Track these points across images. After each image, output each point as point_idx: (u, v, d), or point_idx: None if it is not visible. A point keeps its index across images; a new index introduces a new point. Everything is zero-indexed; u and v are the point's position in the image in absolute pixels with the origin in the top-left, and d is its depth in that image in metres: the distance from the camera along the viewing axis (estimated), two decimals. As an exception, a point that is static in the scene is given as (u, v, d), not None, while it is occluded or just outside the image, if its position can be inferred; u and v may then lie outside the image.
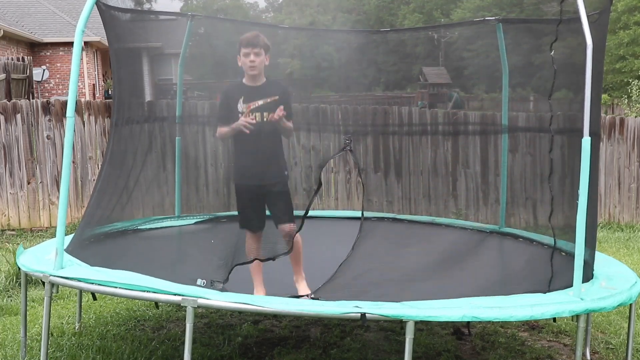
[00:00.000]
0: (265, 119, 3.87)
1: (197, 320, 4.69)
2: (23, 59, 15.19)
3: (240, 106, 3.88)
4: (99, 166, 7.78)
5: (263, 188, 3.93)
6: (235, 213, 4.16)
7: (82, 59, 19.84)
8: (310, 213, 4.41)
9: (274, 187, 3.97)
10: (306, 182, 8.23)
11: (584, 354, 4.07)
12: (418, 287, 3.81)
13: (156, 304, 4.79)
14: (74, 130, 4.03)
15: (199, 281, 3.45)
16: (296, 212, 4.22)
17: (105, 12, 4.22)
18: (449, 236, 5.40)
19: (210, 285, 3.58)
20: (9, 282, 5.54)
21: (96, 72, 23.28)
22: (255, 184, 3.93)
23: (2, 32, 18.16)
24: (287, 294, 3.61)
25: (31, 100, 8.69)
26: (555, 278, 3.46)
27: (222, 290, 3.49)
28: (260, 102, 3.88)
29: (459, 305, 3.15)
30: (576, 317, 3.22)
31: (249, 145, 3.88)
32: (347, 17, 48.52)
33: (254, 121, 3.83)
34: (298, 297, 3.77)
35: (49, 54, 21.69)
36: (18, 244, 6.67)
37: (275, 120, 3.85)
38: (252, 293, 3.83)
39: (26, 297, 4.03)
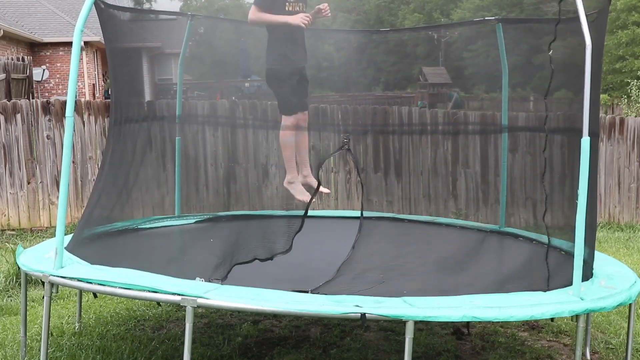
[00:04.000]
0: (303, 9, 4.39)
1: (197, 320, 4.69)
2: (23, 59, 15.18)
3: (287, 5, 4.34)
4: (99, 166, 7.79)
5: (300, 71, 4.37)
6: (235, 213, 4.21)
7: (81, 58, 19.82)
8: (310, 213, 4.41)
9: (304, 71, 4.46)
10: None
11: (584, 354, 4.07)
12: (418, 286, 3.80)
13: (158, 303, 4.78)
14: (74, 130, 4.04)
15: (197, 279, 3.45)
16: (296, 212, 4.23)
17: (103, 11, 4.22)
18: (449, 236, 5.40)
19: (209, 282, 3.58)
20: (9, 282, 5.54)
21: (96, 72, 23.28)
22: (295, 68, 4.35)
23: (2, 32, 18.15)
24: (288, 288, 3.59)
25: (31, 100, 8.69)
26: (555, 277, 3.46)
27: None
28: (300, 3, 4.38)
29: (459, 305, 3.15)
30: (576, 317, 3.22)
31: (294, 34, 4.32)
32: (347, 17, 48.51)
33: (312, 21, 4.29)
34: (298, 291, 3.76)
35: (49, 54, 21.68)
36: (18, 243, 6.67)
37: (327, 16, 4.38)
38: (250, 286, 3.80)
39: (26, 297, 4.03)
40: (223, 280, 3.48)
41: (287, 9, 4.39)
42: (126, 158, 4.83)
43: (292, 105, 4.38)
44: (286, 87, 4.38)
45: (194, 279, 3.45)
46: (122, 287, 3.32)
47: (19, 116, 8.03)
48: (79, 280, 3.44)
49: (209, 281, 3.43)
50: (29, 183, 8.12)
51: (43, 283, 3.55)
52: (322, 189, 4.40)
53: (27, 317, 4.08)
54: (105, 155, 4.66)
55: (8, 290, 5.46)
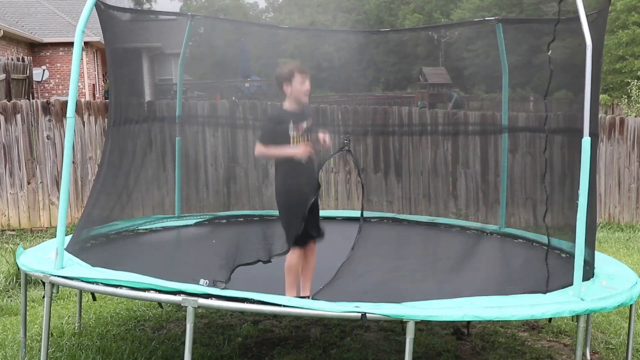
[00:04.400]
0: (309, 139, 4.12)
1: (197, 320, 4.69)
2: (23, 59, 15.17)
3: (292, 130, 4.06)
4: (98, 166, 7.79)
5: (311, 205, 4.07)
6: (235, 213, 4.20)
7: (82, 59, 19.87)
8: (310, 213, 4.41)
9: (316, 201, 4.16)
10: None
11: (584, 354, 4.07)
12: (418, 287, 3.81)
13: (159, 303, 4.79)
14: (74, 131, 4.03)
15: (201, 281, 3.45)
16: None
17: (103, 11, 4.22)
18: (449, 236, 5.40)
19: (213, 285, 3.58)
20: (9, 282, 5.54)
21: (96, 72, 23.28)
22: (307, 203, 4.04)
23: (2, 32, 18.15)
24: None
25: (31, 100, 8.69)
26: (555, 278, 3.46)
27: (224, 290, 3.49)
28: (304, 126, 4.10)
29: (459, 305, 3.15)
30: (576, 317, 3.22)
31: (303, 167, 4.05)
32: (347, 17, 48.55)
33: (312, 151, 4.06)
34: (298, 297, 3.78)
35: (49, 54, 21.68)
36: (18, 244, 6.67)
37: (327, 148, 4.13)
38: (251, 290, 3.82)
39: (26, 297, 4.03)
40: (227, 282, 3.48)
41: (292, 142, 4.13)
42: (126, 158, 4.83)
43: (301, 239, 4.07)
44: (294, 220, 4.05)
45: (198, 281, 3.45)
46: (122, 287, 3.32)
47: (19, 116, 8.03)
48: (79, 280, 3.44)
49: (213, 284, 3.43)
50: (29, 183, 8.12)
51: (43, 283, 3.55)
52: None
53: (27, 317, 4.09)
54: (104, 155, 4.65)
55: (8, 291, 5.46)
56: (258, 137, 4.24)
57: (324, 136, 4.09)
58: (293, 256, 4.05)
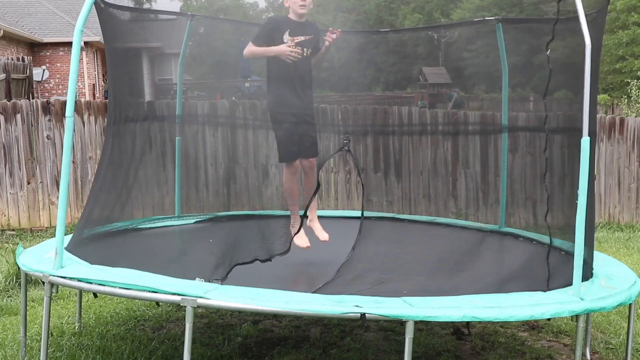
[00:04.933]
0: (305, 54, 4.26)
1: (197, 320, 4.69)
2: (23, 59, 15.18)
3: (286, 37, 4.24)
4: (97, 165, 7.79)
5: (300, 117, 4.24)
6: (235, 213, 4.21)
7: (81, 59, 19.80)
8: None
9: (308, 118, 4.31)
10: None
11: (584, 354, 4.07)
12: (418, 287, 3.80)
13: (157, 303, 4.79)
14: (74, 130, 4.03)
15: (197, 279, 3.45)
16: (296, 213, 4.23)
17: (103, 10, 4.22)
18: (449, 236, 5.40)
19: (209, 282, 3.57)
20: (9, 282, 5.55)
21: (96, 72, 23.28)
22: (294, 112, 4.22)
23: (2, 32, 18.15)
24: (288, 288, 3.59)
25: (31, 100, 8.69)
26: (554, 277, 3.46)
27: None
28: (302, 38, 4.26)
29: (459, 305, 3.15)
30: (576, 317, 3.22)
31: (290, 77, 4.23)
32: (347, 17, 48.54)
33: (300, 54, 4.19)
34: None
35: (49, 54, 21.69)
36: (18, 243, 6.67)
37: (332, 41, 4.27)
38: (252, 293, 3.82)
39: (26, 297, 4.03)
40: (223, 280, 3.48)
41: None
42: (125, 158, 4.83)
43: (290, 152, 4.22)
44: (282, 132, 4.22)
45: (194, 279, 3.45)
46: (122, 287, 3.32)
47: (19, 116, 8.03)
48: (79, 280, 3.44)
49: (209, 281, 3.43)
50: (29, 183, 8.12)
51: (43, 283, 3.55)
52: (320, 235, 4.42)
53: (27, 317, 4.08)
54: (104, 155, 4.64)
55: (8, 290, 5.46)
56: (252, 38, 4.40)
57: (331, 34, 4.23)
58: (284, 174, 4.28)
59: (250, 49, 4.32)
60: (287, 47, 4.19)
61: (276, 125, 4.33)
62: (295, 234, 4.06)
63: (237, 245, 4.20)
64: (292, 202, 4.35)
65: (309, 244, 4.35)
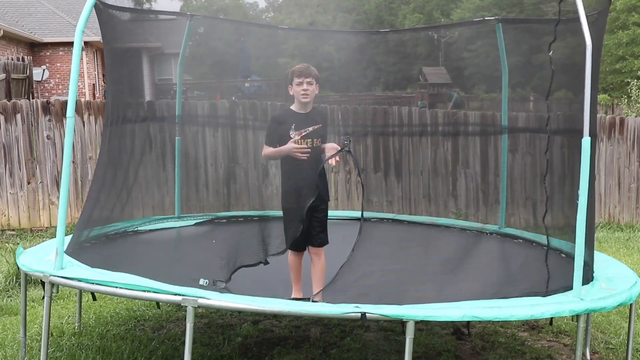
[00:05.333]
0: (315, 144, 4.12)
1: (197, 320, 4.69)
2: (23, 59, 15.17)
3: (292, 133, 4.10)
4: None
5: (312, 209, 4.08)
6: (236, 213, 4.20)
7: (82, 59, 19.86)
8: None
9: (322, 207, 4.17)
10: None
11: (584, 354, 4.07)
12: (418, 287, 3.81)
13: (157, 304, 4.79)
14: (74, 130, 4.03)
15: (201, 281, 3.45)
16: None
17: (103, 11, 4.22)
18: (449, 237, 5.40)
19: (213, 285, 3.58)
20: (9, 282, 5.55)
21: (96, 72, 23.27)
22: (305, 206, 4.06)
23: (2, 32, 18.15)
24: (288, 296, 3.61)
25: (31, 100, 8.69)
26: (555, 279, 3.46)
27: (224, 290, 3.49)
28: (310, 129, 4.11)
29: (459, 305, 3.15)
30: (576, 317, 3.22)
31: (301, 170, 4.08)
32: (347, 17, 48.54)
33: (308, 150, 4.06)
34: (300, 299, 3.78)
35: (49, 54, 21.68)
36: (18, 244, 6.67)
37: (332, 164, 4.11)
38: (252, 292, 3.83)
39: (26, 297, 4.03)
40: (227, 282, 3.48)
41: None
42: (125, 158, 4.83)
43: (298, 243, 4.09)
44: (294, 224, 4.07)
45: (198, 280, 3.45)
46: (122, 287, 3.31)
47: (19, 116, 8.03)
48: (79, 280, 3.44)
49: (213, 284, 3.43)
50: (29, 183, 8.11)
51: (43, 283, 3.55)
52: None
53: (27, 317, 4.09)
54: (102, 155, 4.64)
55: (8, 290, 5.46)
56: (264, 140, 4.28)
57: (334, 157, 4.06)
58: (290, 258, 4.14)
59: (265, 152, 4.23)
60: (294, 145, 4.06)
61: (288, 218, 4.17)
62: (296, 235, 4.05)
63: (239, 247, 4.21)
64: (295, 279, 4.18)
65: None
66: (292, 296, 4.10)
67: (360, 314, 3.03)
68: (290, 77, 4.18)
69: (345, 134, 7.99)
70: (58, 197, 5.49)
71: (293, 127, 4.09)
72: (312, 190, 4.03)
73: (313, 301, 3.75)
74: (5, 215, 8.06)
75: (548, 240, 3.62)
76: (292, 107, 4.22)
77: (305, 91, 4.12)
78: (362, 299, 3.30)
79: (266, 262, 4.03)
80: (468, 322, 4.01)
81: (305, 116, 4.16)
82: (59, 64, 21.66)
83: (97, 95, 22.04)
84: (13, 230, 8.06)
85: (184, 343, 3.17)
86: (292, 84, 4.16)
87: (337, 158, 4.04)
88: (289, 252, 4.11)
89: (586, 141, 3.15)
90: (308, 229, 4.09)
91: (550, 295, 3.36)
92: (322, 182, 4.13)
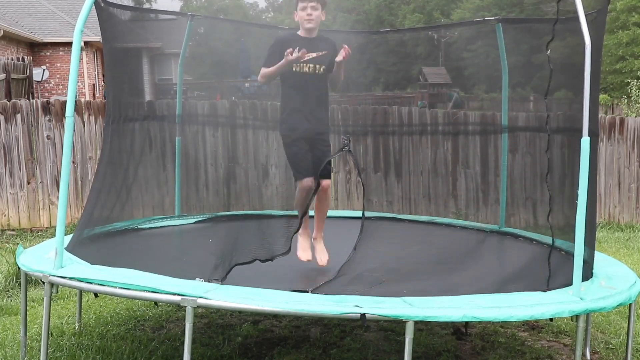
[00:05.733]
0: (317, 71, 4.00)
1: (197, 320, 4.69)
2: (23, 59, 15.18)
3: (295, 54, 3.95)
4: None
5: (313, 137, 4.02)
6: (235, 213, 4.18)
7: (81, 59, 19.82)
8: (310, 213, 4.42)
9: (322, 137, 4.09)
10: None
11: (584, 354, 4.07)
12: (418, 287, 3.80)
13: (155, 302, 4.79)
14: (74, 130, 4.03)
15: (197, 279, 3.45)
16: (295, 213, 4.22)
17: (103, 10, 4.22)
18: (449, 236, 5.40)
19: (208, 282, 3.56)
20: (9, 282, 5.54)
21: (96, 72, 23.28)
22: (306, 133, 4.00)
23: (2, 32, 18.16)
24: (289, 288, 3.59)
25: (31, 100, 8.69)
26: (555, 277, 3.46)
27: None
28: (314, 55, 3.96)
29: (459, 305, 3.15)
30: (576, 317, 3.22)
31: (300, 94, 3.99)
32: (347, 17, 48.54)
33: (304, 54, 3.90)
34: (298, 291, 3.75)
35: (49, 54, 21.69)
36: (18, 243, 6.67)
37: (342, 60, 3.98)
38: (250, 285, 3.81)
39: (26, 297, 4.03)
40: (222, 280, 3.48)
41: (294, 69, 4.04)
42: (125, 158, 4.83)
43: (303, 170, 4.00)
44: (295, 153, 4.01)
45: (194, 279, 3.45)
46: (122, 287, 3.31)
47: (19, 116, 8.03)
48: (79, 280, 3.44)
49: (209, 281, 3.43)
50: (29, 183, 8.12)
51: (43, 283, 3.55)
52: (319, 257, 4.24)
53: (27, 317, 4.08)
54: (103, 155, 4.64)
55: (8, 290, 5.46)
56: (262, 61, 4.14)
57: (344, 53, 3.96)
58: (297, 191, 4.06)
59: (262, 72, 4.09)
60: (290, 56, 3.89)
61: (288, 148, 4.10)
62: (295, 232, 4.04)
63: (237, 245, 4.20)
64: (300, 212, 4.10)
65: (310, 258, 4.27)
66: (298, 253, 4.06)
67: (360, 314, 3.03)
68: (295, 1, 4.07)
69: (345, 133, 7.99)
70: (58, 197, 5.49)
71: (296, 50, 3.92)
72: (317, 116, 3.97)
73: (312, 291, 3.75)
74: (5, 215, 8.06)
75: (553, 239, 3.62)
76: (298, 32, 4.12)
77: (309, 16, 4.00)
78: (361, 297, 3.29)
79: (265, 260, 4.00)
80: (468, 322, 4.01)
81: (310, 41, 4.04)
82: (59, 64, 21.67)
83: (97, 95, 22.05)
84: (13, 230, 8.06)
85: (183, 343, 3.17)
86: (297, 9, 4.05)
87: (343, 55, 3.93)
88: (298, 184, 4.03)
89: (585, 141, 3.15)
90: (313, 162, 4.02)
91: (550, 291, 3.36)
92: (323, 111, 4.05)
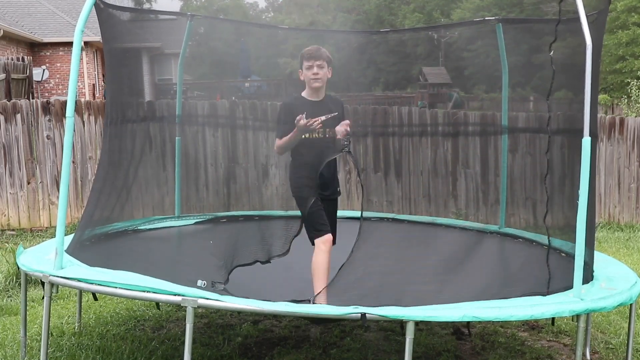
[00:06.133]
0: (327, 135, 3.87)
1: (197, 320, 4.69)
2: (23, 59, 15.18)
3: (304, 122, 3.82)
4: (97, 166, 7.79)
5: (324, 198, 3.91)
6: (235, 213, 4.16)
7: (82, 59, 19.85)
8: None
9: (332, 198, 4.01)
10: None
11: (584, 354, 4.07)
12: (418, 287, 3.80)
13: (157, 304, 4.79)
14: (74, 130, 4.03)
15: (199, 282, 3.45)
16: (295, 213, 4.22)
17: (103, 10, 4.21)
18: (449, 236, 5.39)
19: (211, 286, 3.57)
20: (9, 282, 5.55)
21: (96, 72, 23.27)
22: (318, 194, 3.87)
23: (2, 32, 18.15)
24: (289, 297, 3.59)
25: (31, 100, 8.69)
26: (555, 279, 3.46)
27: (223, 292, 3.49)
28: (323, 118, 3.80)
29: (459, 306, 3.15)
30: (576, 317, 3.22)
31: (310, 158, 3.85)
32: (347, 17, 48.54)
33: (319, 124, 3.77)
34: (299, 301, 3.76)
35: (49, 54, 21.68)
36: (18, 243, 6.67)
37: (344, 135, 3.84)
38: (252, 293, 3.82)
39: (26, 297, 4.03)
40: (225, 283, 3.48)
41: (303, 136, 3.89)
42: (125, 158, 4.83)
43: (324, 227, 3.88)
44: (310, 212, 3.85)
45: (196, 282, 3.45)
46: (122, 288, 3.31)
47: (19, 116, 8.03)
48: (79, 280, 3.44)
49: (212, 285, 3.42)
50: (29, 183, 8.12)
51: (43, 283, 3.55)
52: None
53: (27, 317, 4.08)
54: (103, 155, 4.64)
55: (8, 290, 5.46)
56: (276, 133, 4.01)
57: (346, 126, 3.82)
58: (318, 252, 3.82)
59: (277, 144, 3.96)
60: (302, 123, 3.73)
61: (303, 208, 3.92)
62: (295, 236, 3.99)
63: (237, 246, 4.20)
64: (320, 284, 3.80)
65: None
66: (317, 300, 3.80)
67: (360, 314, 3.03)
68: (300, 60, 3.92)
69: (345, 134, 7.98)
70: (58, 197, 5.49)
71: (304, 115, 3.78)
72: (328, 180, 3.84)
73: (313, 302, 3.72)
74: (5, 215, 8.06)
75: (549, 241, 3.62)
76: (303, 94, 3.96)
77: (315, 75, 3.84)
78: (362, 299, 3.29)
79: (265, 262, 4.01)
80: (468, 322, 4.01)
81: (318, 104, 3.89)
82: (59, 64, 21.66)
83: (97, 95, 22.04)
84: (13, 230, 8.06)
85: (184, 343, 3.17)
86: (302, 68, 3.90)
87: (347, 128, 3.78)
88: (319, 242, 3.84)
89: (586, 141, 3.15)
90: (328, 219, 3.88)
91: (550, 294, 3.36)
92: (332, 171, 3.93)
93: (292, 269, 4.15)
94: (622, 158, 9.41)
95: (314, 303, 3.62)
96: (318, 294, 3.69)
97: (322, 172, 3.88)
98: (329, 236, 3.90)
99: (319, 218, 3.84)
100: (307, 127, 3.74)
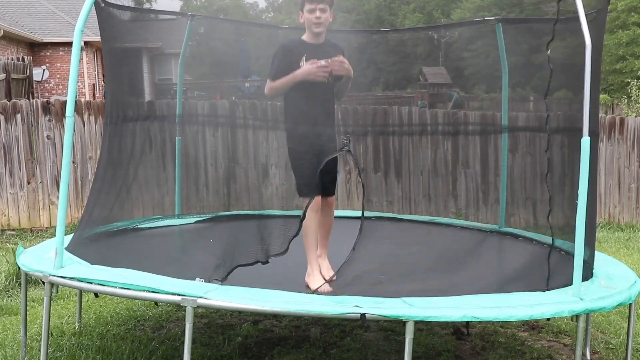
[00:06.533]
0: (327, 80, 3.74)
1: (197, 320, 4.69)
2: (23, 59, 15.18)
3: (303, 64, 3.69)
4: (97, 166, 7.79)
5: (321, 151, 3.76)
6: (235, 213, 4.16)
7: (82, 59, 19.81)
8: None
9: (330, 151, 3.82)
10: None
11: (584, 354, 4.07)
12: (418, 287, 3.80)
13: (155, 302, 4.79)
14: (74, 130, 4.03)
15: (197, 280, 3.45)
16: (295, 213, 4.22)
17: (103, 10, 4.21)
18: (449, 236, 5.40)
19: (209, 282, 3.56)
20: (9, 282, 5.54)
21: (96, 72, 23.27)
22: (316, 147, 3.75)
23: (2, 32, 18.16)
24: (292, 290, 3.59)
25: (31, 100, 8.69)
26: (555, 277, 3.46)
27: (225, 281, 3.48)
28: (323, 62, 3.68)
29: (459, 305, 3.15)
30: (576, 317, 3.22)
31: (309, 104, 3.72)
32: (347, 16, 48.55)
33: (328, 68, 3.63)
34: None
35: (49, 54, 21.69)
36: (18, 243, 6.67)
37: (340, 70, 3.72)
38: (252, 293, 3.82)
39: (26, 297, 4.03)
40: (223, 281, 3.48)
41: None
42: (125, 158, 4.83)
43: (312, 187, 3.75)
44: (303, 168, 3.76)
45: (194, 279, 3.45)
46: (122, 287, 3.31)
47: (19, 116, 8.03)
48: (79, 280, 3.44)
49: (209, 282, 3.43)
50: (29, 183, 8.12)
51: (43, 283, 3.55)
52: (326, 274, 3.96)
53: (27, 317, 4.08)
54: (102, 155, 4.64)
55: (8, 290, 5.46)
56: (268, 75, 3.83)
57: (341, 63, 3.67)
58: (307, 214, 3.72)
59: (269, 85, 3.79)
60: (314, 66, 3.59)
61: (296, 162, 3.84)
62: (294, 236, 3.98)
63: (237, 246, 4.19)
64: (310, 246, 3.78)
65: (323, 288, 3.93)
66: (307, 273, 3.81)
67: (360, 314, 3.03)
68: (301, 2, 3.77)
69: (345, 133, 7.99)
70: (58, 197, 5.49)
71: (304, 58, 3.66)
72: (326, 128, 3.72)
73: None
74: (5, 215, 8.06)
75: (553, 239, 3.62)
76: (303, 37, 3.83)
77: (317, 19, 3.69)
78: (361, 297, 3.29)
79: (265, 262, 4.00)
80: (468, 322, 4.01)
81: (318, 47, 3.76)
82: (59, 64, 21.67)
83: (97, 95, 22.05)
84: (13, 230, 8.06)
85: (183, 343, 3.17)
86: (303, 10, 3.75)
87: (342, 62, 3.64)
88: (307, 209, 3.73)
89: (585, 141, 3.15)
90: (320, 177, 3.74)
91: (550, 290, 3.36)
92: (331, 122, 3.79)
93: (291, 261, 4.13)
94: (622, 158, 9.41)
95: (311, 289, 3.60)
96: (317, 289, 3.73)
97: (322, 122, 3.75)
98: (319, 199, 3.82)
99: (312, 177, 3.71)
100: (314, 69, 3.61)
